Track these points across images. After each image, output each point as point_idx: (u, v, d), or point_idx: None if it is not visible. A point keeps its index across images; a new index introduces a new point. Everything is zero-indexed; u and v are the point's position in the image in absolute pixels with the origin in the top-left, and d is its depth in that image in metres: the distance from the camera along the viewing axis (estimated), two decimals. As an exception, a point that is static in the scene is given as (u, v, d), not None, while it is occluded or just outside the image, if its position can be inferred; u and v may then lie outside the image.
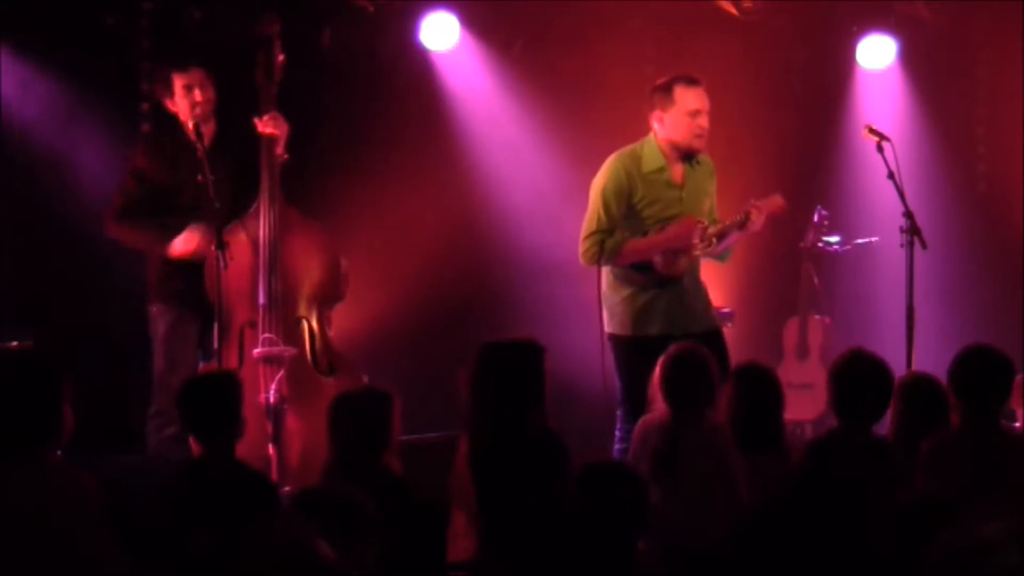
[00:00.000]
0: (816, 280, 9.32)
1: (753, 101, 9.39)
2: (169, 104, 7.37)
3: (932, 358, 7.00)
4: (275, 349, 7.17)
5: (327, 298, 7.43)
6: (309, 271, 7.37)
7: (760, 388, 5.94)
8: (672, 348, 6.06)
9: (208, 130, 7.28)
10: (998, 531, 3.35)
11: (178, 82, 7.30)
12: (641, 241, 7.00)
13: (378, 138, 9.09)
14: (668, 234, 6.98)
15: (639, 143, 7.12)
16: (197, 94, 7.27)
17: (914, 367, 6.74)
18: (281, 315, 7.24)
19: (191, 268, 7.26)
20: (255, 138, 7.31)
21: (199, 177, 7.21)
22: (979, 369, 5.50)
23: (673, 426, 5.75)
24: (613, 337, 7.09)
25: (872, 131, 7.08)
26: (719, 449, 5.71)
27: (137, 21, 8.50)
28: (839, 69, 9.49)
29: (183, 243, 7.23)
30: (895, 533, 3.63)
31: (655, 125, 7.07)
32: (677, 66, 9.34)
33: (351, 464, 5.21)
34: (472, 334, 7.73)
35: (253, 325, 7.20)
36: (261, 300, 7.22)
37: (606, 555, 3.27)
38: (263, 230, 7.26)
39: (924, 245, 6.88)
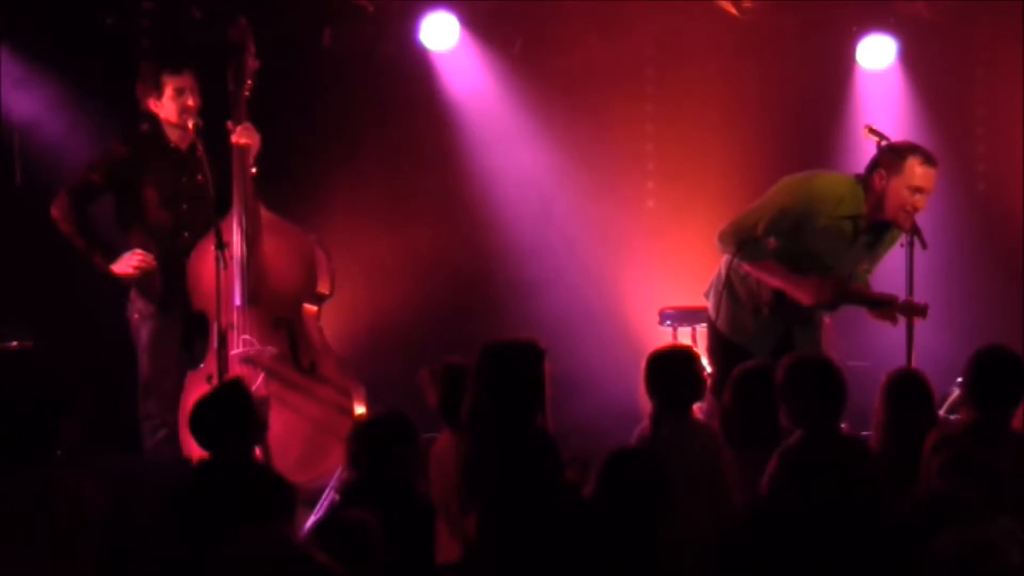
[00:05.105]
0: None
1: (753, 101, 9.38)
2: (152, 104, 7.35)
3: (932, 358, 7.01)
4: (253, 349, 7.20)
5: (309, 296, 7.44)
6: (287, 271, 7.38)
7: (757, 386, 5.94)
8: (658, 347, 6.07)
9: (187, 136, 7.28)
10: (998, 531, 3.36)
11: (170, 85, 7.30)
12: (775, 268, 6.88)
13: (378, 138, 9.10)
14: (800, 283, 6.87)
15: (854, 179, 6.96)
16: (189, 99, 7.27)
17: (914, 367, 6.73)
18: (259, 316, 7.26)
19: (172, 269, 7.27)
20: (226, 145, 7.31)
21: (199, 176, 7.22)
22: (994, 369, 5.52)
23: (656, 422, 5.75)
24: (712, 324, 7.10)
25: (872, 131, 7.07)
26: (704, 446, 5.70)
27: (137, 21, 8.50)
28: (839, 69, 9.48)
29: (123, 265, 7.26)
30: (896, 532, 3.64)
31: (875, 179, 6.90)
32: (677, 66, 9.40)
33: (369, 487, 5.15)
34: (472, 334, 7.74)
35: (233, 327, 7.24)
36: (236, 302, 7.24)
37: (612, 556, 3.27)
38: (236, 235, 7.25)
39: (924, 245, 6.86)
